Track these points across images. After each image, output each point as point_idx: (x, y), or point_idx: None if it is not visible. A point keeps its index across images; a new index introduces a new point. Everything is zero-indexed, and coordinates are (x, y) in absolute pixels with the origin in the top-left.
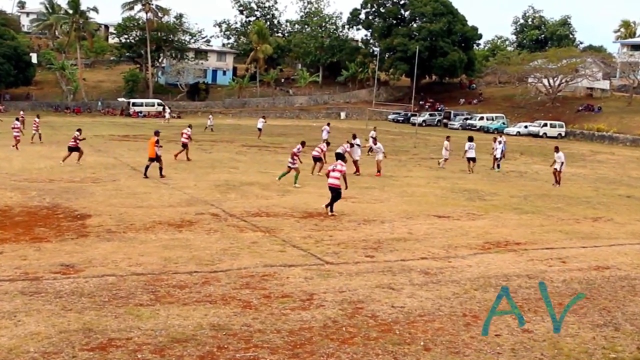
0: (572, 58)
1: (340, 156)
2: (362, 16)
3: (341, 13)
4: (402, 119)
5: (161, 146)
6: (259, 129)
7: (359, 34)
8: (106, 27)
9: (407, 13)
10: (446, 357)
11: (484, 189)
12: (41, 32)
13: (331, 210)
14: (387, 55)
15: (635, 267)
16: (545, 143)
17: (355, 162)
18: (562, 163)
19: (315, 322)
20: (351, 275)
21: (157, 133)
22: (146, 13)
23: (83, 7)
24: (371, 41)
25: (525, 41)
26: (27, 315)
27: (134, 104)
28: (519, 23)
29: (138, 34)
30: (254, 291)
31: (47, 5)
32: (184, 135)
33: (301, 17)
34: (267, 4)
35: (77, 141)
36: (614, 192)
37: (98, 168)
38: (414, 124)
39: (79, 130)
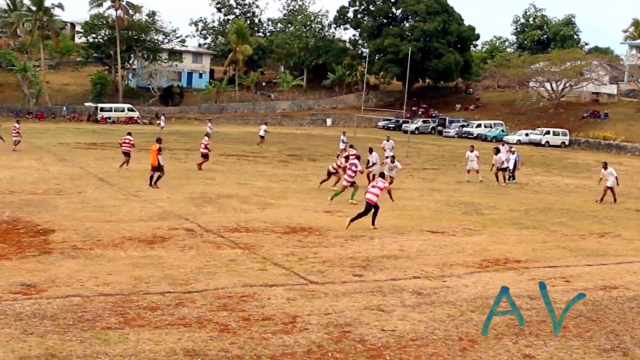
0: (577, 60)
1: (382, 174)
2: (350, 15)
3: (327, 11)
4: (393, 126)
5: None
6: (261, 137)
7: (346, 34)
8: (72, 25)
9: (398, 11)
10: None
11: (482, 202)
12: (1, 31)
13: (373, 224)
14: (377, 57)
15: None
16: (547, 152)
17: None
18: (616, 178)
19: (299, 347)
20: (337, 296)
21: (159, 140)
22: (116, 10)
23: (47, 4)
24: (360, 42)
25: (526, 42)
26: None
27: (102, 109)
28: (519, 23)
29: (107, 33)
30: (232, 313)
31: (8, 2)
32: (202, 146)
33: (284, 15)
34: (247, 1)
35: (131, 145)
36: (622, 206)
37: (62, 178)
38: (405, 132)
39: (129, 133)
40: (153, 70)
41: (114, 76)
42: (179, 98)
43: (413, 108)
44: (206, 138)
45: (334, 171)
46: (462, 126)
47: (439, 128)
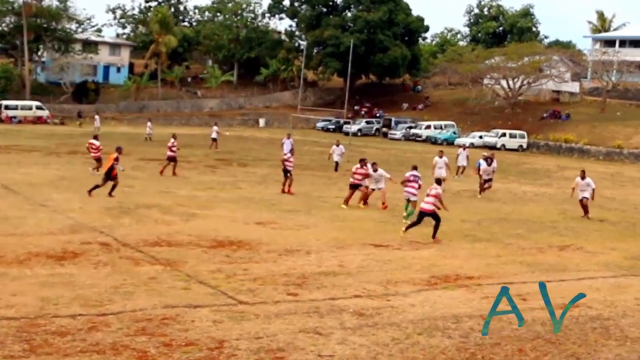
0: (536, 55)
1: (438, 181)
2: (286, 3)
3: None
4: (333, 127)
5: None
6: (214, 139)
7: (282, 24)
8: None
9: (340, 0)
10: None
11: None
12: None
13: (434, 237)
14: (315, 50)
15: (609, 304)
16: (503, 157)
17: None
18: (594, 190)
19: None
20: (270, 318)
21: (118, 149)
22: None
23: None
24: (297, 33)
25: (480, 35)
26: None
27: (6, 107)
28: (472, 13)
29: (12, 21)
30: (152, 338)
31: None
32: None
33: (212, 3)
34: None
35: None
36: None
37: None
38: (347, 134)
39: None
40: (65, 63)
41: (21, 70)
42: (94, 95)
43: (355, 107)
44: (173, 140)
45: (358, 183)
46: (410, 127)
47: (384, 130)
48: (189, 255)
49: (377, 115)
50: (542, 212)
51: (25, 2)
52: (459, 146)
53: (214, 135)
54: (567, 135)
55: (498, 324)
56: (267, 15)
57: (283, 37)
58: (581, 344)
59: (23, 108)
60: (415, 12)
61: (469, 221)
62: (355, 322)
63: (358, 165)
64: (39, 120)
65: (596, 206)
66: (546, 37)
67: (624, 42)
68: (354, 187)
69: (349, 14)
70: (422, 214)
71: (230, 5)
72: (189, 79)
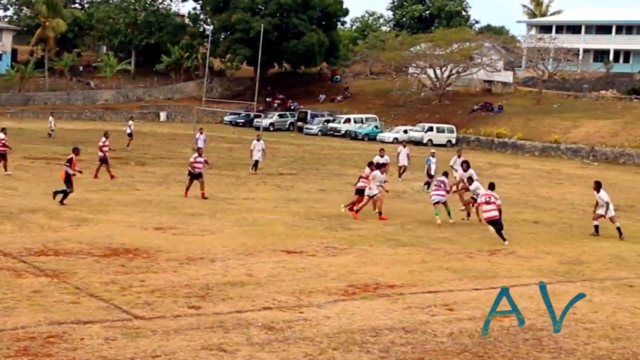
0: (466, 42)
1: (492, 186)
2: None
3: None
4: (242, 121)
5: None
6: (129, 135)
7: (185, 7)
8: None
9: None
10: None
11: (349, 214)
12: None
13: (504, 239)
14: (222, 36)
15: (542, 313)
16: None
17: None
18: (608, 204)
19: None
20: (169, 334)
21: (76, 150)
22: None
23: None
24: (202, 17)
25: (404, 19)
26: None
27: None
28: None
29: None
30: (35, 359)
31: None
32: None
33: None
34: None
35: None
36: (517, 217)
37: None
38: (258, 128)
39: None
40: None
41: None
42: None
43: (267, 99)
44: (103, 139)
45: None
46: (327, 121)
47: (299, 124)
48: (78, 266)
49: (292, 107)
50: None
51: None
52: (400, 143)
53: (129, 130)
54: (500, 129)
55: (421, 337)
56: None
57: (186, 21)
58: (511, 357)
59: None
60: None
61: (392, 224)
62: (264, 337)
63: (368, 170)
64: None
65: (530, 206)
66: (477, 22)
67: (561, 28)
68: (359, 192)
69: None
70: (492, 222)
71: None
72: (81, 68)
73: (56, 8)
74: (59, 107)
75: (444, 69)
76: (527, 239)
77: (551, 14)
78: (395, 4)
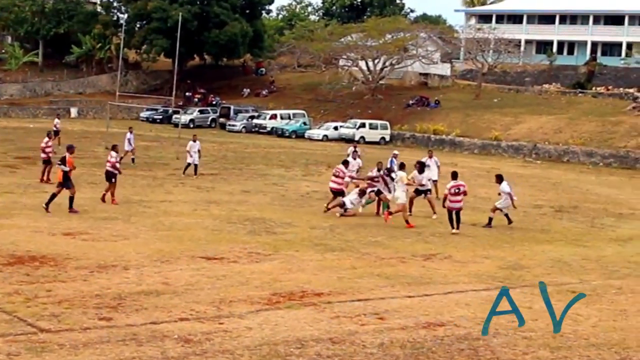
0: (400, 32)
1: (455, 175)
2: None
3: None
4: (160, 117)
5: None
6: (56, 133)
7: None
8: None
9: None
10: None
11: (274, 218)
12: None
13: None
14: (138, 26)
15: (479, 322)
16: (362, 151)
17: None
18: (510, 195)
19: None
20: (77, 348)
21: (69, 148)
22: None
23: None
24: (115, 4)
25: (334, 8)
26: None
27: None
28: None
29: None
30: None
31: None
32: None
33: None
34: None
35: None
36: None
37: None
38: (176, 125)
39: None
40: None
41: None
42: None
43: (187, 94)
44: (46, 139)
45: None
46: (252, 117)
47: (222, 120)
48: None
49: (213, 103)
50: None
51: None
52: (352, 142)
53: (56, 128)
54: (437, 126)
55: (350, 348)
56: None
57: (99, 9)
58: None
59: None
60: None
61: (319, 228)
62: (181, 350)
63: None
64: None
65: (468, 208)
66: (412, 11)
67: (501, 18)
68: (336, 193)
69: None
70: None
71: None
72: None
73: None
74: None
75: (376, 61)
76: (464, 242)
77: (491, 3)
78: None
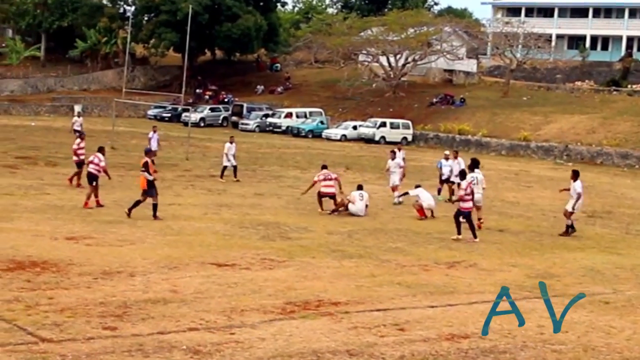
0: (423, 26)
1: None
2: None
3: None
4: (168, 115)
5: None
6: (77, 132)
7: None
8: None
9: None
10: None
11: (289, 222)
12: None
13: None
14: (146, 19)
15: (506, 334)
16: (383, 152)
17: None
18: (579, 196)
19: None
20: (80, 359)
21: (148, 152)
22: None
23: None
24: None
25: (354, 0)
26: None
27: None
28: None
29: None
30: None
31: None
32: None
33: None
34: None
35: None
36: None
37: None
38: (186, 124)
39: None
40: None
41: None
42: None
43: (197, 91)
44: (78, 140)
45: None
46: (266, 116)
47: (234, 119)
48: None
49: (225, 100)
50: (427, 222)
51: None
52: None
53: (76, 126)
54: (462, 125)
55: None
56: None
57: (104, 1)
58: None
59: None
60: None
61: (337, 233)
62: None
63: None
64: None
65: (495, 213)
66: (436, 4)
67: (531, 11)
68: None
69: None
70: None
71: None
72: None
73: None
74: None
75: (398, 56)
76: (491, 250)
77: None
78: None
